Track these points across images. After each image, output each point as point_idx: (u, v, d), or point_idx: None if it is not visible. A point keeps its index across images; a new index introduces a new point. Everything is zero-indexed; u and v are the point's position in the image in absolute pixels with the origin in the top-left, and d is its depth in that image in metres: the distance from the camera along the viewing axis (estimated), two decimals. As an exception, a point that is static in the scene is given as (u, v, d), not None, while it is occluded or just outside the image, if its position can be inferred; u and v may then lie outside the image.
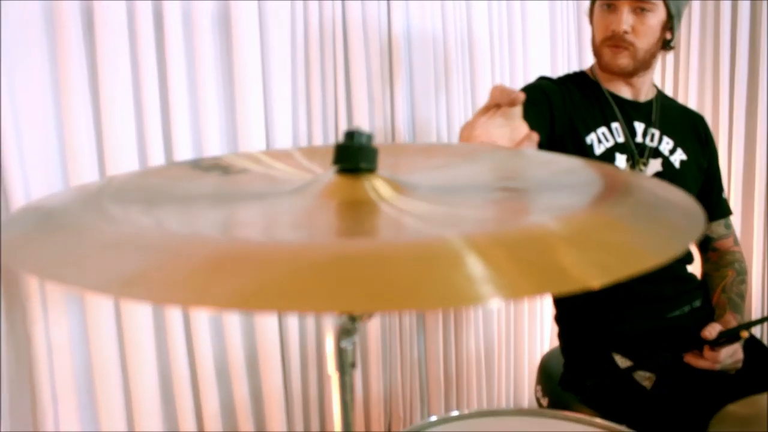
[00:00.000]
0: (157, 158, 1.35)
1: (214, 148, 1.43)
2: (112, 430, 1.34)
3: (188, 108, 1.39)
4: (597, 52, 1.53)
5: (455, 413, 1.09)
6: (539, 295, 0.40)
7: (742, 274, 1.61)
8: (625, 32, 1.44)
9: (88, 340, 1.32)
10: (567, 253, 0.43)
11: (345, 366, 0.55)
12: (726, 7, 2.27)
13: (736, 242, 1.68)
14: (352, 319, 0.55)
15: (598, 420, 1.06)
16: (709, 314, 1.54)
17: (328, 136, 1.63)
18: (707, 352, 1.36)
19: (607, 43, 1.48)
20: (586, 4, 2.04)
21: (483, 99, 1.86)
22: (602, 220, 0.47)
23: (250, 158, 0.73)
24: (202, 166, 0.67)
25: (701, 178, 1.61)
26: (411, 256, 0.41)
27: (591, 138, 1.50)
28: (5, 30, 1.18)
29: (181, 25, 1.37)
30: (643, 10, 1.44)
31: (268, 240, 0.48)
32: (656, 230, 0.48)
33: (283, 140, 1.53)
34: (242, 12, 1.42)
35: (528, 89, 1.49)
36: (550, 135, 1.44)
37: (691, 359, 1.38)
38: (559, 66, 2.05)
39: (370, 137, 0.56)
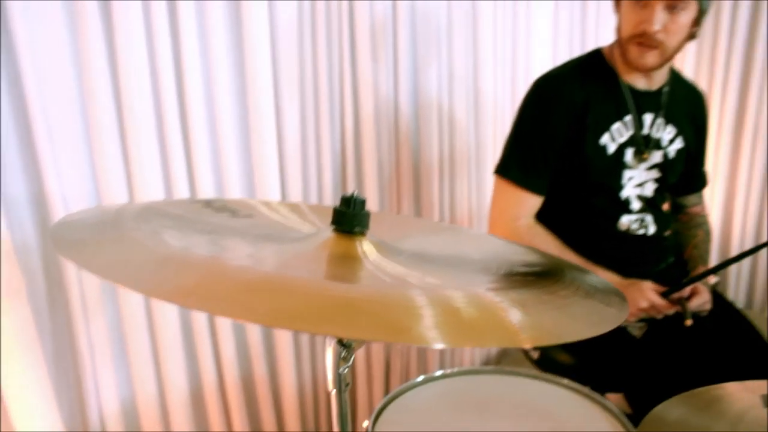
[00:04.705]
0: (172, 125, 1.42)
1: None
2: None
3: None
4: (623, 46, 1.49)
5: (439, 373, 1.25)
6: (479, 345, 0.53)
7: (709, 235, 1.76)
8: (657, 32, 1.40)
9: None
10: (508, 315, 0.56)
11: (341, 385, 0.69)
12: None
13: (704, 209, 1.81)
14: (348, 348, 0.68)
15: (565, 380, 1.22)
16: (682, 269, 1.69)
17: (333, 94, 1.71)
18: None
19: (636, 40, 1.44)
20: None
21: (485, 65, 1.96)
22: (543, 299, 0.59)
23: (253, 206, 0.85)
24: (213, 206, 0.80)
25: (687, 160, 1.66)
26: (379, 301, 0.54)
27: (605, 139, 1.52)
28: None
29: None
30: (675, 8, 1.39)
31: (284, 275, 0.60)
32: (587, 313, 0.60)
33: (291, 103, 1.61)
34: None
35: (540, 106, 1.55)
36: (560, 152, 1.52)
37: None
38: (561, 26, 2.10)
39: (363, 203, 0.68)
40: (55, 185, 1.28)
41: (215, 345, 1.61)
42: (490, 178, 2.10)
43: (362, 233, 0.68)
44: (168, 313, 1.49)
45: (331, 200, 1.76)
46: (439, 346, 0.50)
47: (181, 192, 1.46)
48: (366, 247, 0.67)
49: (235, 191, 1.55)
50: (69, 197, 1.32)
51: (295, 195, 1.67)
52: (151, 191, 1.41)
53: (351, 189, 1.81)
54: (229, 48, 1.49)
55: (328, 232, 0.69)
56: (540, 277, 0.68)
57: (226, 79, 1.49)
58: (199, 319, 1.56)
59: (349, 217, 0.67)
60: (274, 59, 1.56)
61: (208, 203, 0.82)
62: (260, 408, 1.72)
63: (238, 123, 1.55)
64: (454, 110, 1.98)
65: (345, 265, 0.64)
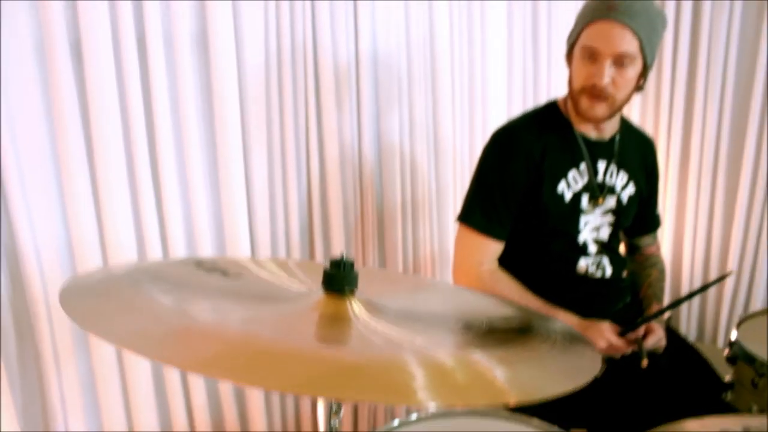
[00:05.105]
0: (144, 178, 1.45)
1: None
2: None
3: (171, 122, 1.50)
4: (574, 98, 1.56)
5: (414, 416, 1.29)
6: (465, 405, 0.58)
7: (663, 273, 1.83)
8: (606, 85, 1.48)
9: None
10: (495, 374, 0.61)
11: (334, 437, 0.73)
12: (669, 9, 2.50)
13: (658, 248, 1.90)
14: (339, 402, 0.72)
15: (536, 421, 1.27)
16: (639, 308, 1.75)
17: (299, 141, 1.77)
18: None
19: (586, 92, 1.51)
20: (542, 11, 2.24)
21: (444, 110, 2.05)
22: (525, 355, 0.65)
23: (241, 264, 0.89)
24: (204, 267, 0.84)
25: (640, 204, 1.74)
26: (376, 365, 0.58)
27: (561, 187, 1.58)
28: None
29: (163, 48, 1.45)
30: (622, 63, 1.47)
31: (285, 341, 0.64)
32: (566, 368, 0.66)
33: (259, 146, 1.66)
34: (219, 33, 1.52)
35: (503, 159, 1.60)
36: (520, 200, 1.59)
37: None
38: (515, 76, 2.20)
39: (352, 264, 0.72)
40: (28, 238, 1.29)
41: (186, 391, 1.61)
42: (451, 223, 2.18)
43: (352, 292, 0.72)
44: (139, 361, 1.50)
45: (298, 249, 1.80)
46: (433, 406, 0.54)
47: (153, 243, 1.48)
48: (356, 307, 0.71)
49: (205, 239, 1.57)
50: (42, 250, 1.33)
51: (264, 243, 1.70)
52: (124, 243, 1.43)
53: (318, 236, 1.85)
54: (198, 98, 1.54)
55: (318, 291, 0.73)
56: (520, 333, 0.73)
57: (195, 128, 1.52)
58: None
59: (339, 279, 0.71)
60: (242, 109, 1.61)
61: (199, 263, 0.85)
62: (230, 454, 1.72)
63: (208, 174, 1.59)
64: (415, 156, 2.04)
65: (338, 326, 0.69)
